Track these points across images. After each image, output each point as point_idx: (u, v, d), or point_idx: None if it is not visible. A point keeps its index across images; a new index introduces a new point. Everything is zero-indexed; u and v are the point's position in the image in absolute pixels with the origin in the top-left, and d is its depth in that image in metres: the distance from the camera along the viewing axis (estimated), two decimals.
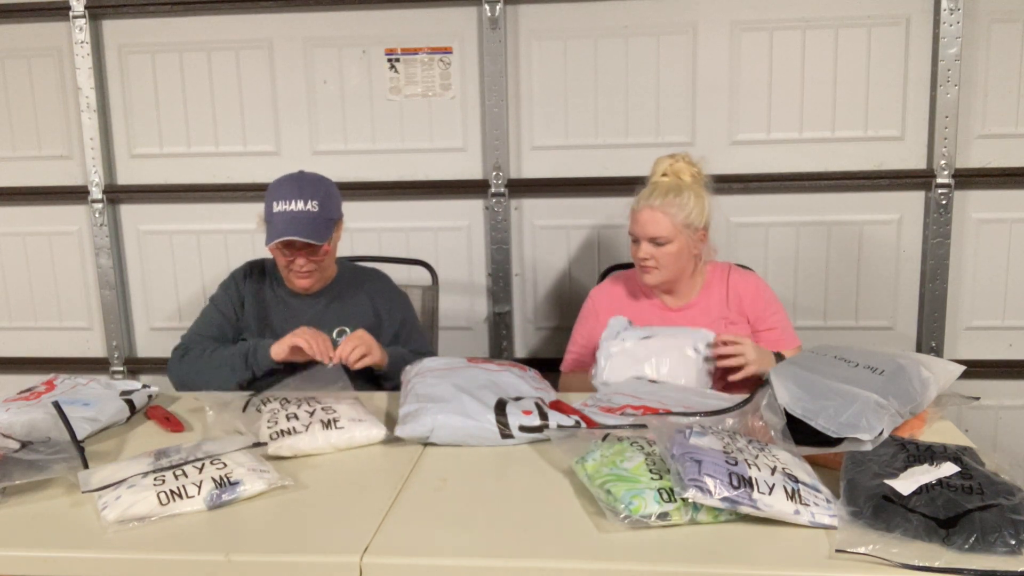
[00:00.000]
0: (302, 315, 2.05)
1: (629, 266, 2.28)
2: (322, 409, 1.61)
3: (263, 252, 2.19)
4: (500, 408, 1.59)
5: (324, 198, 1.96)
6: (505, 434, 1.55)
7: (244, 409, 1.66)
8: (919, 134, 2.62)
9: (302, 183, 1.97)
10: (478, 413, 1.57)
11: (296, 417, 1.58)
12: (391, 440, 1.60)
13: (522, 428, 1.55)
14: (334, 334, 2.05)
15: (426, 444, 1.58)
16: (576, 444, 1.43)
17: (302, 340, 1.81)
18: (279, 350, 1.87)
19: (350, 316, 2.07)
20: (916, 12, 2.56)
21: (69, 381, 1.84)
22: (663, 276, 2.00)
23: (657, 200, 1.95)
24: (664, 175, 2.01)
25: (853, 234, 2.68)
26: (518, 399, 1.65)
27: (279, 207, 1.93)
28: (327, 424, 1.56)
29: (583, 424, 1.55)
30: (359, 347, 1.84)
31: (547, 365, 2.27)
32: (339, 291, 2.10)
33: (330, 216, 1.98)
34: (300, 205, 1.93)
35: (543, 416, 1.57)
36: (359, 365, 1.84)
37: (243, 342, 1.99)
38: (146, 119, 2.86)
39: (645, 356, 1.82)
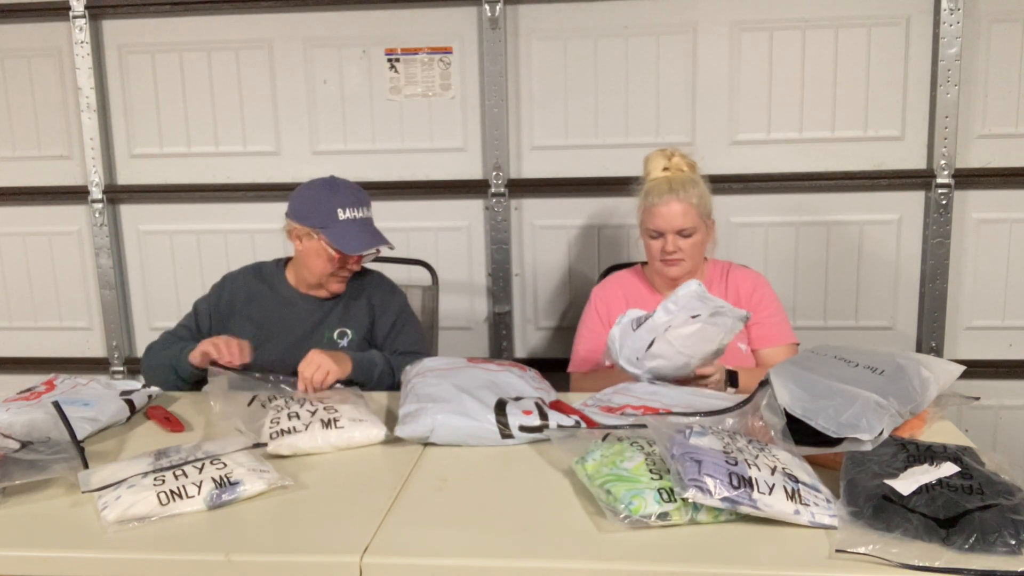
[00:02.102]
0: (307, 317, 2.06)
1: (627, 266, 2.29)
2: (324, 408, 1.61)
3: (264, 251, 2.20)
4: (500, 408, 1.59)
5: (369, 203, 2.03)
6: (505, 434, 1.55)
7: (249, 404, 1.66)
8: (919, 134, 2.62)
9: (356, 191, 2.02)
10: (478, 413, 1.57)
11: (297, 416, 1.58)
12: (391, 440, 1.60)
13: (522, 428, 1.55)
14: (335, 335, 2.05)
15: (426, 444, 1.58)
16: (576, 444, 1.43)
17: (211, 346, 1.82)
18: (194, 355, 1.87)
19: (351, 317, 2.08)
20: (916, 12, 2.56)
21: (69, 381, 1.84)
22: (688, 267, 2.03)
23: (680, 192, 1.97)
24: (665, 169, 2.01)
25: (853, 234, 2.68)
26: (518, 399, 1.65)
27: (347, 214, 1.96)
28: (327, 424, 1.56)
29: (583, 424, 1.55)
30: (318, 370, 1.78)
31: (547, 365, 2.26)
32: (342, 293, 2.10)
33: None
34: (363, 212, 1.99)
35: (543, 416, 1.57)
36: (326, 385, 1.80)
37: (175, 347, 1.99)
38: (146, 119, 2.86)
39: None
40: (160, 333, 2.12)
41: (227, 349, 1.81)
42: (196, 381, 1.97)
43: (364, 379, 1.90)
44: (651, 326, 1.73)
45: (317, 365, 1.76)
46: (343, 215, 1.95)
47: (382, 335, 2.08)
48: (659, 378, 1.76)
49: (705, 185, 2.02)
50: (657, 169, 2.03)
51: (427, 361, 1.87)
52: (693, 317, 1.71)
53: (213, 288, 2.14)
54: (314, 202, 1.98)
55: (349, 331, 2.05)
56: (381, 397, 1.87)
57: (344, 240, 1.95)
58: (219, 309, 2.09)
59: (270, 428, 1.56)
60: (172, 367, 1.95)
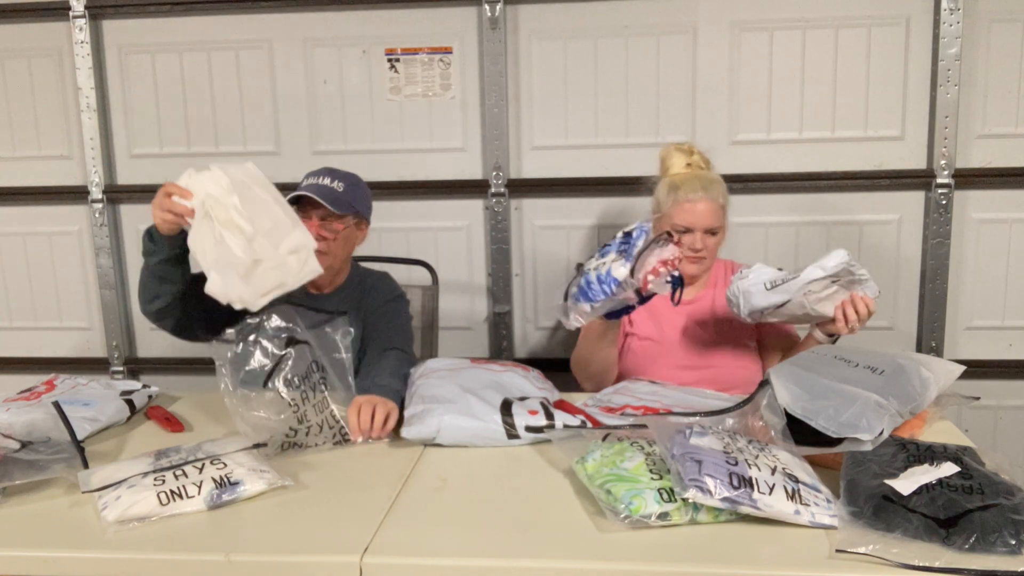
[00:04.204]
0: (315, 316, 2.05)
1: None
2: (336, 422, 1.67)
3: None
4: (506, 408, 1.59)
5: (352, 186, 2.00)
6: (511, 434, 1.55)
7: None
8: (919, 134, 2.62)
9: (336, 169, 2.03)
10: (484, 413, 1.57)
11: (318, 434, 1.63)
12: (392, 440, 1.60)
13: (528, 428, 1.55)
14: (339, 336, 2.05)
15: (428, 445, 1.58)
16: (576, 444, 1.43)
17: (159, 221, 1.64)
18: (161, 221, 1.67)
19: (353, 314, 2.07)
20: (916, 12, 2.56)
21: (69, 381, 1.85)
22: (708, 265, 2.04)
23: (712, 190, 1.96)
24: (688, 165, 2.00)
25: (853, 234, 2.68)
26: (523, 399, 1.65)
27: (308, 180, 1.99)
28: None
29: (589, 424, 1.55)
30: (377, 408, 1.63)
31: (547, 365, 2.26)
32: (348, 293, 2.10)
33: (352, 202, 1.99)
34: (327, 181, 1.98)
35: (549, 416, 1.57)
36: (388, 428, 1.66)
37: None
38: (146, 119, 2.86)
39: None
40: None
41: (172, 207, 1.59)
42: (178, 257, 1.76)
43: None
44: (787, 288, 1.76)
45: (375, 406, 1.63)
46: (306, 182, 1.99)
47: (365, 314, 2.07)
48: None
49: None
50: (679, 164, 2.01)
51: (431, 362, 1.87)
52: (833, 282, 1.74)
53: None
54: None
55: (352, 330, 2.05)
56: None
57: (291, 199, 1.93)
58: None
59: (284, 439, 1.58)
60: (150, 238, 1.73)
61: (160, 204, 1.64)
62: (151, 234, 1.72)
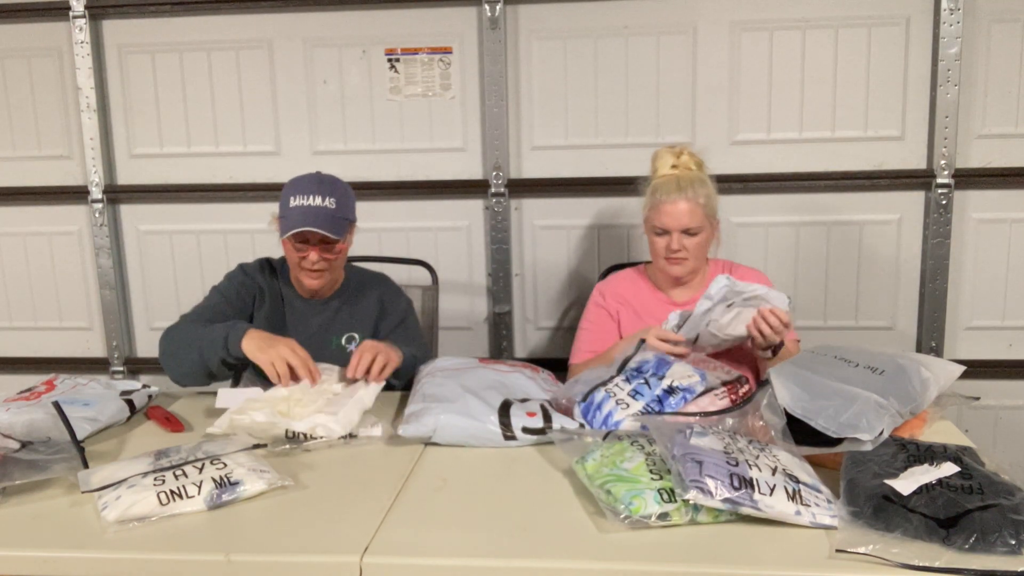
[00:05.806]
0: (311, 320, 2.05)
1: (627, 266, 2.28)
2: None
3: (264, 252, 2.19)
4: (504, 409, 1.59)
5: (341, 197, 1.96)
6: (507, 435, 1.55)
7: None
8: (919, 134, 2.62)
9: (321, 181, 1.97)
10: (481, 414, 1.57)
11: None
12: (392, 439, 1.60)
13: (525, 430, 1.55)
14: (343, 340, 2.05)
15: (428, 444, 1.58)
16: (577, 444, 1.43)
17: (270, 367, 1.72)
18: (248, 349, 1.75)
19: (359, 321, 2.07)
20: (916, 12, 2.56)
21: (69, 381, 1.85)
22: (692, 266, 2.03)
23: (689, 191, 1.96)
24: (674, 167, 2.01)
25: (853, 234, 2.68)
26: (524, 400, 1.65)
27: (296, 202, 1.93)
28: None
29: (587, 426, 1.55)
30: (378, 357, 1.76)
31: (548, 365, 2.26)
32: (348, 296, 2.09)
33: (345, 216, 1.97)
34: (318, 201, 1.92)
35: (547, 418, 1.57)
36: (384, 376, 1.77)
37: (215, 328, 1.87)
38: (146, 119, 2.86)
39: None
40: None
41: (291, 371, 1.72)
42: (225, 372, 1.88)
43: (404, 374, 1.90)
44: (693, 323, 1.75)
45: (375, 352, 1.76)
46: (294, 202, 1.93)
47: (385, 334, 2.07)
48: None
49: (712, 185, 2.01)
50: (665, 166, 2.02)
51: (439, 361, 1.88)
52: (728, 306, 1.74)
53: (234, 275, 2.07)
54: (283, 193, 1.98)
55: (357, 335, 2.05)
56: (392, 397, 1.86)
57: (285, 224, 1.93)
58: (253, 292, 2.05)
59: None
60: (224, 342, 1.79)
61: (292, 355, 1.74)
62: (228, 344, 1.79)
